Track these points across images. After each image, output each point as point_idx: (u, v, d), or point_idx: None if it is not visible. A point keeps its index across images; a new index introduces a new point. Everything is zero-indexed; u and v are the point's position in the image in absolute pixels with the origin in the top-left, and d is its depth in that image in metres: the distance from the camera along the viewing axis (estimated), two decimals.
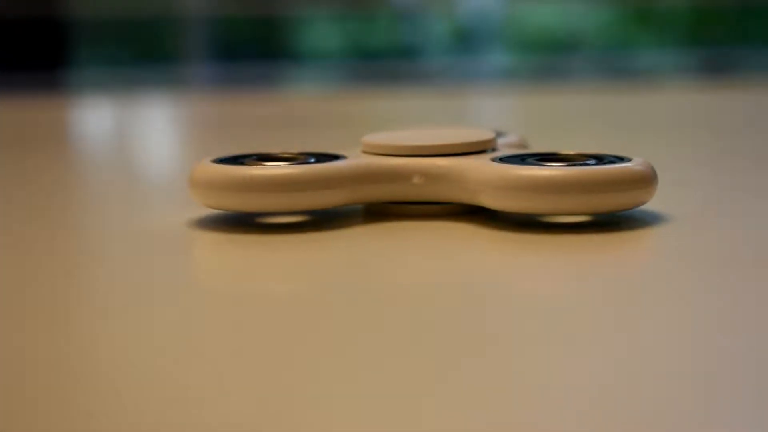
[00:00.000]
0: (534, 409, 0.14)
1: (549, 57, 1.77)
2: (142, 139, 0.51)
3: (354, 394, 0.14)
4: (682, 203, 0.26)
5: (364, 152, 0.25)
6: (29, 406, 0.14)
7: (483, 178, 0.23)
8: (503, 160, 0.24)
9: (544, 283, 0.20)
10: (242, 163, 0.24)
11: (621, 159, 0.24)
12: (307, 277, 0.21)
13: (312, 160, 0.25)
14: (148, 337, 0.17)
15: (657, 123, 0.48)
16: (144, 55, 1.77)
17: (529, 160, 0.24)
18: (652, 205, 0.25)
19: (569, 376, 0.15)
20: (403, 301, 0.19)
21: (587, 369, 0.15)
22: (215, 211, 0.25)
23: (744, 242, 0.23)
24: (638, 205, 0.24)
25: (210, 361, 0.16)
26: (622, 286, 0.20)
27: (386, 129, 0.27)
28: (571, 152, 0.25)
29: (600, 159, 0.24)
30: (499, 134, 0.28)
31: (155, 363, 0.16)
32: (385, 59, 1.73)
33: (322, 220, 0.25)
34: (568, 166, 0.23)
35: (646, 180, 0.23)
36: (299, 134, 0.46)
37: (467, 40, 1.78)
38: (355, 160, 0.25)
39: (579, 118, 0.52)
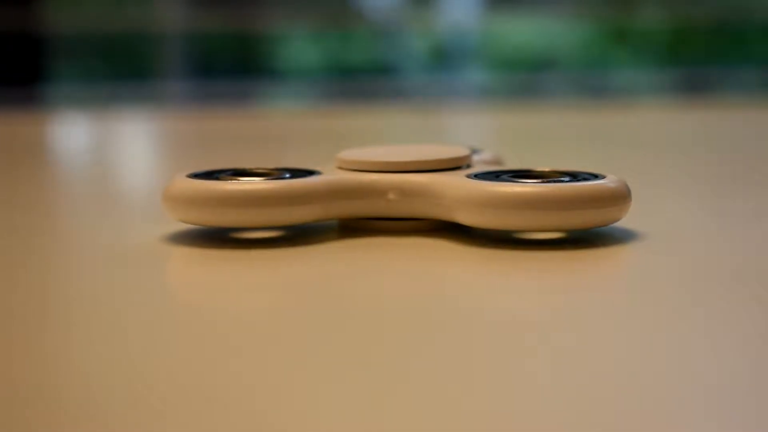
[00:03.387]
0: (505, 422, 0.14)
1: (526, 75, 1.78)
2: (118, 155, 0.51)
3: (325, 408, 0.14)
4: (655, 221, 0.26)
5: (339, 168, 0.25)
6: None
7: (457, 194, 0.23)
8: (478, 176, 0.24)
9: (517, 299, 0.20)
10: (217, 178, 0.24)
11: (595, 176, 0.24)
12: (281, 293, 0.21)
13: (287, 175, 0.25)
14: (120, 352, 0.17)
15: (632, 141, 0.49)
16: (121, 70, 1.77)
17: (504, 176, 0.24)
18: (625, 222, 0.25)
19: (540, 391, 0.15)
20: (376, 317, 0.19)
21: (558, 384, 0.15)
22: (189, 226, 0.25)
23: (715, 260, 0.23)
24: (612, 222, 0.24)
25: (182, 376, 0.16)
26: (595, 302, 0.20)
27: (362, 145, 0.27)
28: (546, 169, 0.25)
29: (574, 176, 0.24)
30: (474, 151, 0.28)
31: (127, 378, 0.16)
32: (363, 76, 1.74)
33: (296, 235, 0.25)
34: (542, 182, 0.23)
35: (620, 197, 0.23)
36: (275, 150, 0.46)
37: (445, 58, 1.79)
38: (329, 175, 0.25)
39: (554, 135, 0.52)
